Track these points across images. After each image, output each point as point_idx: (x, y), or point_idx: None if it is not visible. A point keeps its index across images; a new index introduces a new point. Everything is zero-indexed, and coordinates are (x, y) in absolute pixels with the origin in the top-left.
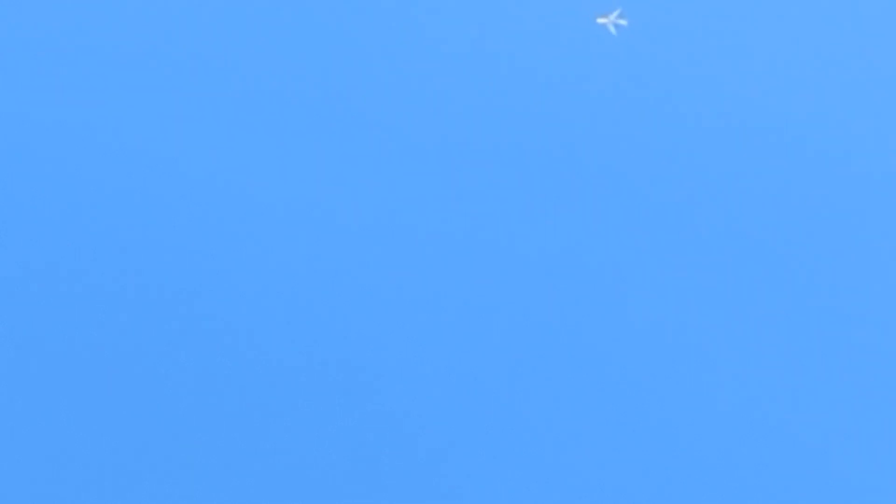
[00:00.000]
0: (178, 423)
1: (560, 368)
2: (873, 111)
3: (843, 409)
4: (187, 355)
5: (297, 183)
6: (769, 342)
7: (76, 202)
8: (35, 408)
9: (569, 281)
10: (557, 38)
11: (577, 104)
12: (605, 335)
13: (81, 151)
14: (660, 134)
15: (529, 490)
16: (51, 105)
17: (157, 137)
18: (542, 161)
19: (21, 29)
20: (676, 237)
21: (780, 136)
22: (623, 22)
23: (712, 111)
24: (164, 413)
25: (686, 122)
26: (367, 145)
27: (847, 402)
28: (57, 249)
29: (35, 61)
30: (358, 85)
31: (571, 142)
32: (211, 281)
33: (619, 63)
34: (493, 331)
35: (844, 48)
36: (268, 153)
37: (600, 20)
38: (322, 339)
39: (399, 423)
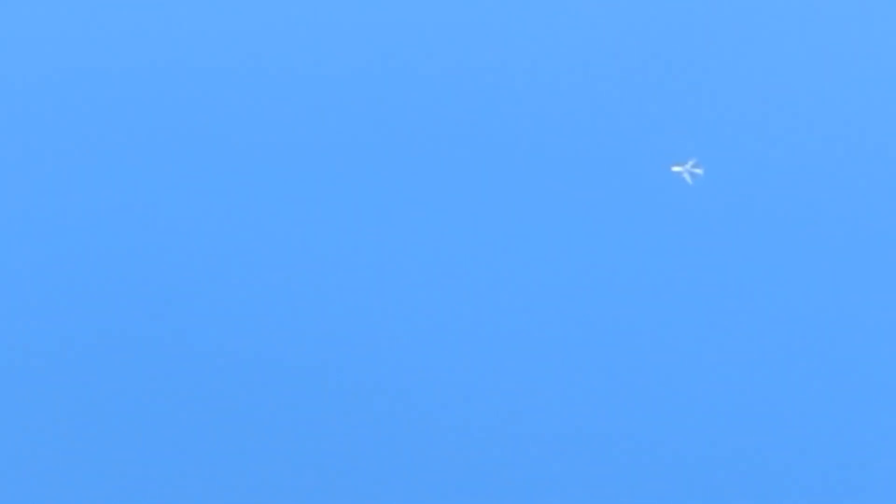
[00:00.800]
0: (179, 424)
1: (560, 370)
2: None
3: (841, 409)
4: (187, 356)
5: (298, 185)
6: (770, 344)
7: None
8: (35, 411)
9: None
10: (632, 185)
11: (652, 251)
12: (607, 345)
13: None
14: (734, 281)
15: (529, 490)
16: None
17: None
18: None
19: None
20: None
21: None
22: (699, 171)
23: (784, 262)
24: (164, 414)
25: (762, 273)
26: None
27: (845, 403)
28: (57, 257)
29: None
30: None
31: (649, 289)
32: (211, 281)
33: (694, 211)
34: (493, 334)
35: None
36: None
37: (675, 168)
38: (322, 341)
39: (398, 423)
